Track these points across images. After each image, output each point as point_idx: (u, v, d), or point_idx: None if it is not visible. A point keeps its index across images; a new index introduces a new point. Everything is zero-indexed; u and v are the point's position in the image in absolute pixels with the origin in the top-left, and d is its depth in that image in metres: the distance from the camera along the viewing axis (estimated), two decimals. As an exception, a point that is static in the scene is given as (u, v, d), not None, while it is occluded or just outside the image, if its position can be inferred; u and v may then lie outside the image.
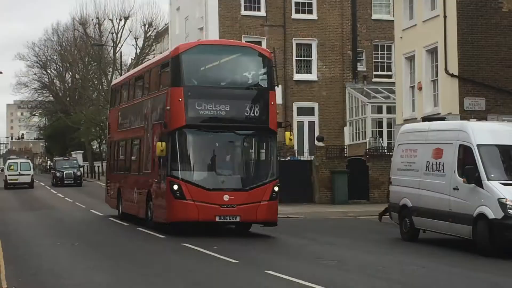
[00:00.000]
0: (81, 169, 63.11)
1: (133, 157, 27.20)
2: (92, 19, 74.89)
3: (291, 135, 22.85)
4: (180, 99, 21.77)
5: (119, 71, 68.18)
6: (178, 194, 21.45)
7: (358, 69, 46.51)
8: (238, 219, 21.85)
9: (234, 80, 23.45)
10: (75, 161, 62.25)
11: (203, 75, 23.27)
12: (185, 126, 21.82)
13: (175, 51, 22.82)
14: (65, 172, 57.55)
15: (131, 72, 31.92)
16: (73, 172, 57.71)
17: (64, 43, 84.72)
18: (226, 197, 21.51)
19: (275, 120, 22.67)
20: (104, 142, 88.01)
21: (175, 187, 21.49)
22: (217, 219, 21.64)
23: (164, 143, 21.67)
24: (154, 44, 74.47)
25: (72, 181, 56.72)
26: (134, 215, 26.10)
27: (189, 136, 22.11)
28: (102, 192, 41.10)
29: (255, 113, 22.37)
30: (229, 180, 22.18)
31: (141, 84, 26.99)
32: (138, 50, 73.64)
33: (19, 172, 57.86)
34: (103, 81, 75.21)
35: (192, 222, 21.90)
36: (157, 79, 24.45)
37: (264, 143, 22.94)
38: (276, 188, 22.12)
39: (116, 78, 73.22)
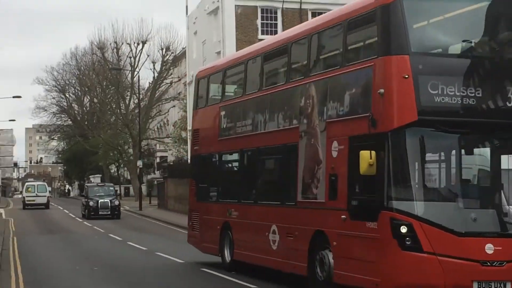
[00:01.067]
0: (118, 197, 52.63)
1: (268, 177, 18.53)
2: (110, 44, 75.50)
3: None
4: (406, 76, 13.08)
5: (137, 95, 68.57)
6: (409, 242, 12.81)
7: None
8: (508, 286, 13.08)
9: (486, 46, 14.21)
10: (111, 188, 51.25)
11: (437, 36, 14.18)
12: (418, 123, 13.08)
13: None
14: (100, 201, 47.11)
15: (253, 48, 20.88)
16: (110, 201, 47.30)
17: (82, 67, 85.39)
18: (489, 248, 12.91)
19: None
20: (122, 166, 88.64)
21: (404, 229, 12.81)
22: (475, 286, 12.98)
23: (373, 153, 13.07)
24: (171, 68, 74.86)
25: (109, 212, 46.61)
26: (267, 267, 17.53)
27: (423, 140, 13.41)
28: (148, 225, 39.98)
29: None
30: (485, 217, 13.47)
31: (283, 62, 17.65)
32: (156, 74, 74.02)
33: (36, 194, 63.95)
34: (121, 105, 75.65)
35: None
36: (337, 46, 15.28)
37: None
38: None
39: (134, 101, 73.86)
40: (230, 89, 20.98)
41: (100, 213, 46.36)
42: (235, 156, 19.89)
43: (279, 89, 17.35)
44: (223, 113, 20.21)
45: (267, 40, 19.83)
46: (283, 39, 18.08)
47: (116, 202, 47.51)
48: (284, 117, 16.91)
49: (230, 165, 20.88)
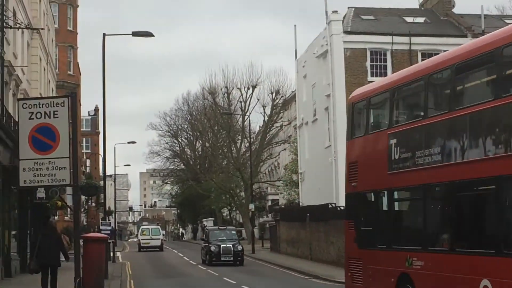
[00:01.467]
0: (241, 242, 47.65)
1: (472, 218, 14.76)
2: (221, 88, 76.61)
3: None
4: None
5: (248, 138, 69.23)
6: None
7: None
8: None
9: None
10: (233, 232, 47.88)
11: None
12: None
13: None
14: (221, 246, 43.61)
15: (435, 60, 16.99)
16: (232, 245, 43.72)
17: (194, 112, 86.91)
18: None
19: None
20: (234, 209, 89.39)
21: None
22: None
23: None
24: (281, 111, 75.41)
25: (231, 258, 43.11)
26: None
27: None
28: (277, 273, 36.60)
29: None
30: None
31: (489, 72, 14.50)
32: (266, 118, 74.64)
33: (151, 237, 66.90)
34: (232, 149, 76.51)
35: None
36: None
37: None
38: None
39: (245, 145, 74.62)
40: (403, 111, 17.97)
41: (222, 259, 43.11)
42: (416, 192, 16.57)
43: (485, 106, 13.91)
44: (393, 141, 17.06)
45: (460, 48, 16.07)
46: (488, 43, 14.26)
47: (239, 247, 43.78)
48: (496, 142, 13.49)
49: (407, 203, 17.65)
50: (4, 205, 30.74)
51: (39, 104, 14.95)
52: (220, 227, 51.24)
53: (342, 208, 38.73)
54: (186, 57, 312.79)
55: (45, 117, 14.60)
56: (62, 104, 14.73)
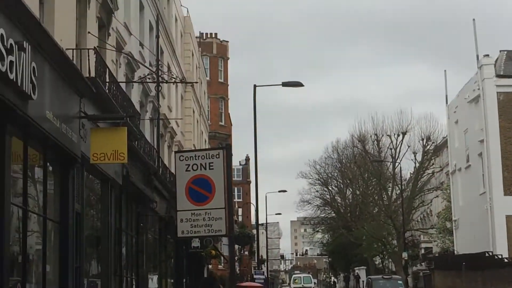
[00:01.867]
0: None
1: None
2: (371, 136, 76.22)
3: None
4: None
5: (399, 186, 68.37)
6: None
7: None
8: None
9: None
10: (399, 282, 44.46)
11: None
12: None
13: None
14: None
15: None
16: None
17: (344, 160, 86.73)
18: None
19: None
20: (386, 257, 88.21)
21: None
22: None
23: None
24: (433, 158, 74.20)
25: None
26: None
27: None
28: None
29: None
30: None
31: None
32: (417, 164, 73.58)
33: (302, 285, 69.82)
34: (383, 196, 75.77)
35: None
36: None
37: None
38: None
39: (396, 192, 73.75)
40: None
41: None
42: None
43: None
44: None
45: None
46: None
47: None
48: None
49: None
50: (161, 254, 31.60)
51: (195, 156, 15.30)
52: (384, 277, 47.59)
53: (500, 256, 37.69)
54: (334, 105, 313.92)
55: (201, 169, 14.93)
56: (217, 156, 15.03)
